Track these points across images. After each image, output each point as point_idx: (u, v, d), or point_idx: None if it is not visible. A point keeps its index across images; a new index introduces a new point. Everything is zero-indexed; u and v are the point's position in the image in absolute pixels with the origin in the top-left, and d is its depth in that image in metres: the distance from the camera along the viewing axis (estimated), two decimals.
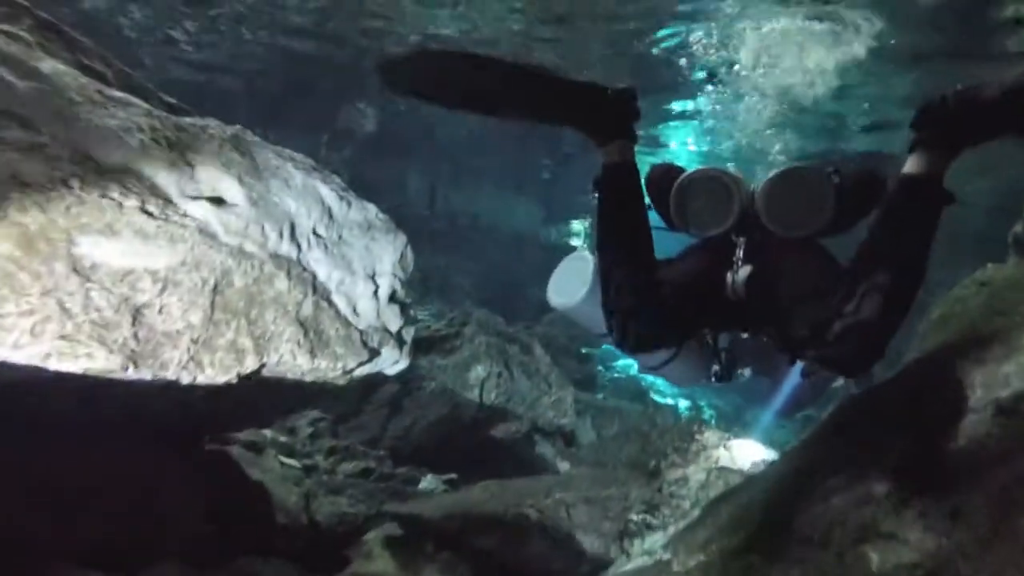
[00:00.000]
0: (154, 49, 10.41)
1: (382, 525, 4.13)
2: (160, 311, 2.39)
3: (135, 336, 2.31)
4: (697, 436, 7.35)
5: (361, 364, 3.15)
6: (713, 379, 2.61)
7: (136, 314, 2.32)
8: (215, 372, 2.54)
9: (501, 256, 15.91)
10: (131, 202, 2.34)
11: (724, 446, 7.48)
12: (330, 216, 3.14)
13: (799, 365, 2.44)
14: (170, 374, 2.42)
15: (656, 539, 6.11)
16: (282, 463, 4.89)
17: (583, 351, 15.76)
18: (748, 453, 7.23)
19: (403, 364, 3.56)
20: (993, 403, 1.98)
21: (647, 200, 2.10)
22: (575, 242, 19.10)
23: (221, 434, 4.16)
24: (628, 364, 21.19)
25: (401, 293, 3.49)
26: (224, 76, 10.86)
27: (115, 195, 2.30)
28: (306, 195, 3.03)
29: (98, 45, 3.06)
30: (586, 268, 2.45)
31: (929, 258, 1.75)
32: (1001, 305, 2.58)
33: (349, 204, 3.23)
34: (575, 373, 12.67)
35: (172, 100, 3.35)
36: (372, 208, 3.40)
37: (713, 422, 16.30)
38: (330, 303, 3.09)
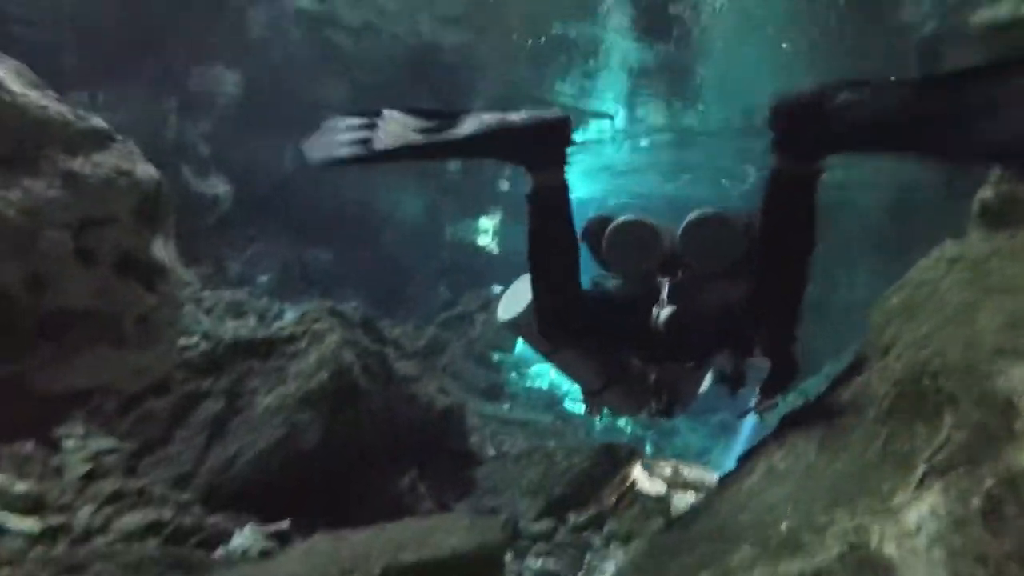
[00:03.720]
0: None
1: None
2: None
3: None
4: (611, 456, 6.16)
5: None
6: (652, 414, 2.77)
7: None
8: None
9: (400, 252, 14.34)
10: None
11: (643, 465, 6.33)
12: None
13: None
14: None
15: None
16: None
17: (495, 358, 14.51)
18: (675, 472, 6.09)
19: None
20: None
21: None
22: (483, 241, 17.81)
23: None
24: (543, 371, 20.20)
25: None
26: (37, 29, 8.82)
27: None
28: None
29: None
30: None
31: (810, 260, 1.90)
32: (995, 282, 2.28)
33: None
34: (479, 381, 11.35)
35: None
36: None
37: (629, 428, 15.40)
38: None
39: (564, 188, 2.11)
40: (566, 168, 2.09)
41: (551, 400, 13.99)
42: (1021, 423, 1.75)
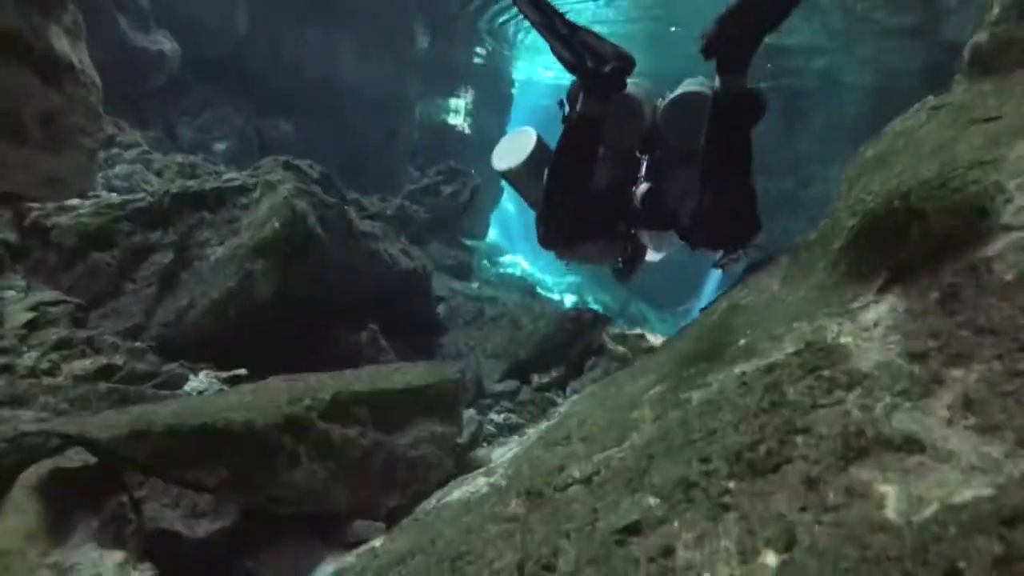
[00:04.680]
0: None
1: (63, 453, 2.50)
2: None
3: None
4: (577, 322, 6.18)
5: None
6: (616, 275, 3.23)
7: None
8: None
9: (366, 128, 13.67)
10: None
11: (607, 332, 6.38)
12: None
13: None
14: None
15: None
16: None
17: (466, 242, 14.35)
18: (641, 338, 6.16)
19: None
20: None
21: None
22: (453, 120, 17.08)
23: None
24: (514, 261, 20.17)
25: None
26: None
27: None
28: None
29: None
30: (528, 141, 2.83)
31: (748, 152, 2.19)
32: (977, 115, 2.21)
33: None
34: (446, 259, 11.21)
35: None
36: None
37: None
38: None
39: (599, 122, 2.38)
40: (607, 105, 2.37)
41: (523, 287, 14.03)
42: (988, 223, 1.66)
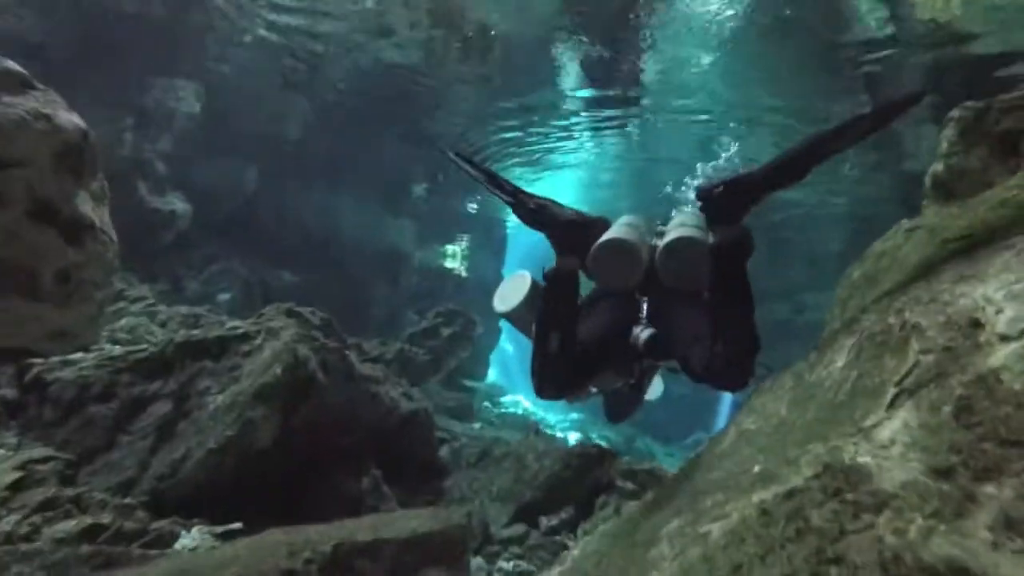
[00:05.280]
0: None
1: None
2: None
3: None
4: (583, 459, 5.97)
5: None
6: (608, 415, 3.27)
7: None
8: None
9: (366, 276, 14.08)
10: None
11: (616, 468, 6.15)
12: None
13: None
14: None
15: None
16: None
17: (466, 383, 14.23)
18: (650, 473, 5.93)
19: None
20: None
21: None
22: (451, 264, 17.64)
23: None
24: (515, 400, 19.89)
25: None
26: None
27: None
28: None
29: None
30: (524, 283, 2.96)
31: (749, 296, 2.28)
32: (951, 234, 2.38)
33: None
34: (447, 401, 11.06)
35: None
36: None
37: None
38: None
39: (575, 274, 2.55)
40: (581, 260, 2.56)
41: (525, 425, 13.72)
42: (985, 335, 1.70)
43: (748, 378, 2.46)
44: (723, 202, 2.18)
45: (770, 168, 2.18)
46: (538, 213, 2.52)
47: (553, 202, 2.59)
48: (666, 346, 2.63)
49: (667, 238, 2.70)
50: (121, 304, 6.68)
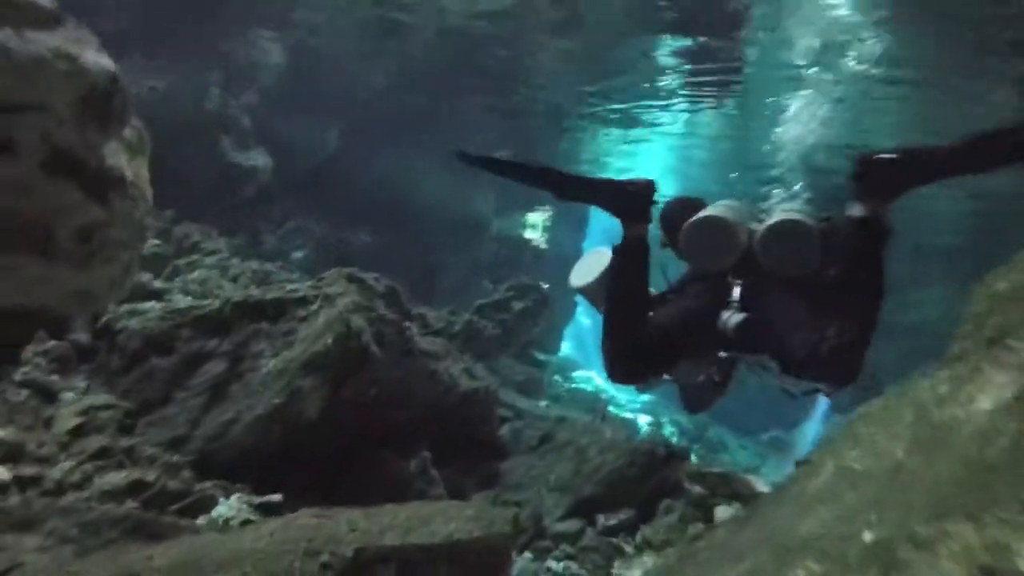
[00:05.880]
0: None
1: None
2: None
3: None
4: (649, 457, 5.52)
5: None
6: (685, 405, 3.28)
7: None
8: None
9: (443, 242, 13.94)
10: None
11: (684, 471, 5.69)
12: None
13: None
14: None
15: None
16: None
17: (538, 356, 13.97)
18: (722, 479, 5.43)
19: None
20: None
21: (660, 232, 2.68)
22: (530, 235, 17.27)
23: None
24: (587, 376, 19.51)
25: None
26: None
27: None
28: None
29: None
30: (603, 260, 2.75)
31: (883, 282, 2.18)
32: None
33: None
34: (515, 375, 10.81)
35: None
36: None
37: (675, 439, 14.55)
38: None
39: (644, 241, 2.46)
40: (648, 225, 2.47)
41: (593, 404, 13.35)
42: None
43: (855, 375, 2.29)
44: (889, 174, 2.01)
45: (957, 149, 1.91)
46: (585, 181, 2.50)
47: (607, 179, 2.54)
48: (760, 332, 2.44)
49: (771, 219, 2.54)
50: (195, 256, 6.79)
